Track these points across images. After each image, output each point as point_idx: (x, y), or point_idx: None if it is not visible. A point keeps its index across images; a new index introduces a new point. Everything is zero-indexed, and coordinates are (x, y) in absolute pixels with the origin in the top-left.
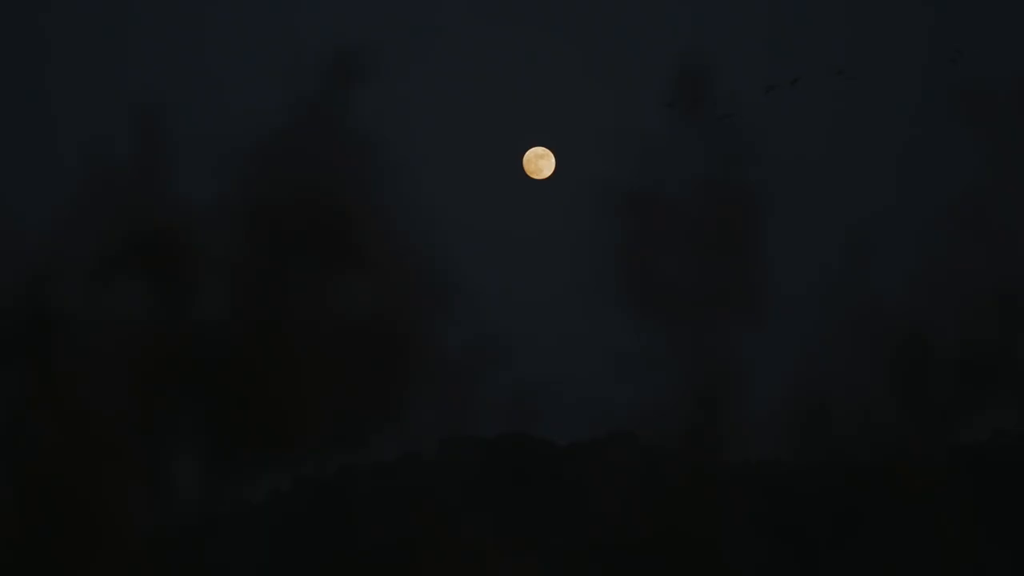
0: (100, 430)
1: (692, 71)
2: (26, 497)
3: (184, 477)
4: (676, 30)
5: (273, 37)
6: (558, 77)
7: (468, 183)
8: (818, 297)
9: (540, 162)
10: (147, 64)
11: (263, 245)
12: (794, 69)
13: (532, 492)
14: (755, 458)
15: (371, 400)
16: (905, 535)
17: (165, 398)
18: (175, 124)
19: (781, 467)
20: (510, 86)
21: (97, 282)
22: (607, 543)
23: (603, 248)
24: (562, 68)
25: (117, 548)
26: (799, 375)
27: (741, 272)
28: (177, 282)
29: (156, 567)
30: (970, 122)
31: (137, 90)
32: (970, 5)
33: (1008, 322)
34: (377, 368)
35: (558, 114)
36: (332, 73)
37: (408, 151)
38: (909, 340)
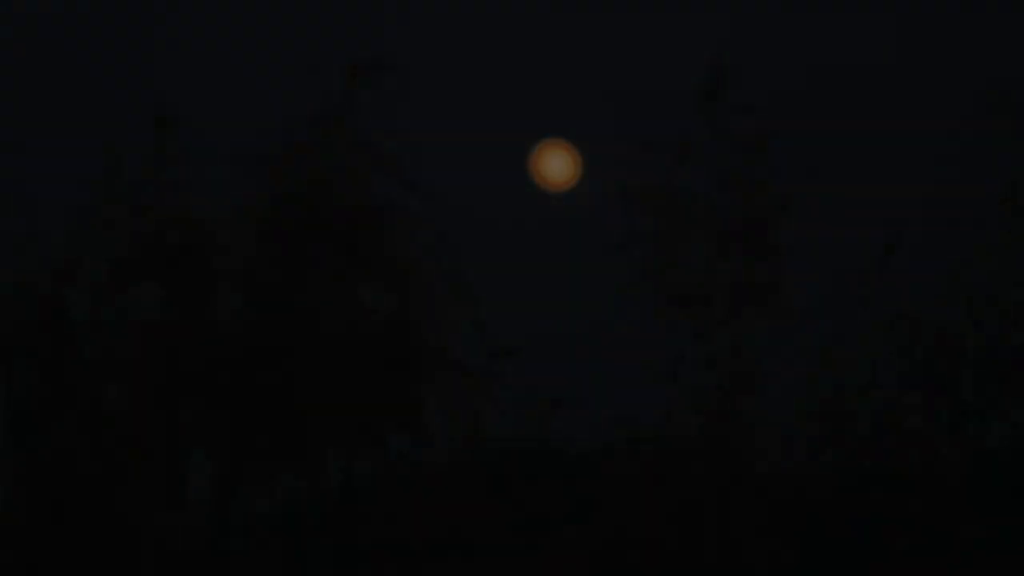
0: (108, 431)
1: (711, 73)
2: (30, 497)
3: (195, 480)
4: (687, 33)
5: (283, 42)
6: (565, 76)
7: (482, 186)
8: (838, 300)
9: (557, 163)
10: (159, 69)
11: (273, 248)
12: (807, 72)
13: (544, 494)
14: (769, 462)
15: (384, 401)
16: (919, 538)
17: (176, 400)
18: (187, 129)
19: (795, 471)
20: (515, 86)
21: (106, 284)
22: (618, 544)
23: (619, 252)
24: (568, 67)
25: (127, 550)
26: (817, 378)
27: (760, 275)
28: (188, 285)
29: (166, 569)
30: (997, 123)
31: (149, 94)
32: (989, 5)
33: None
34: (390, 369)
35: (566, 114)
36: (339, 77)
37: (417, 153)
38: (930, 343)
